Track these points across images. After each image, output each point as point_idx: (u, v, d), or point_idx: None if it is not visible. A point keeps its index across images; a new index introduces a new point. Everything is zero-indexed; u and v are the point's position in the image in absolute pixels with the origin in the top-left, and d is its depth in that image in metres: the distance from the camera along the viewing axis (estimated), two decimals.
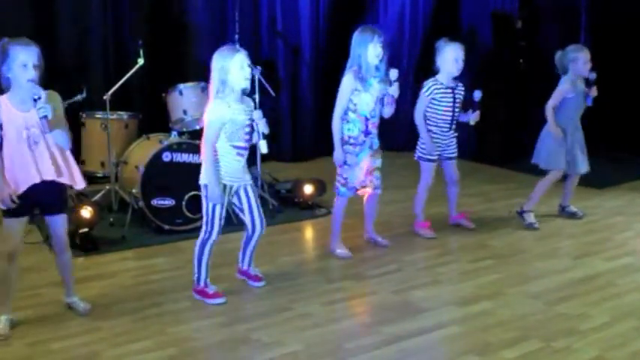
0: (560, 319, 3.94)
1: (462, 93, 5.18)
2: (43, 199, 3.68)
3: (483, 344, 3.64)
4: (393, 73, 4.59)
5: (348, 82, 4.61)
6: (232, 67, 3.94)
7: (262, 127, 4.10)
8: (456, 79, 5.15)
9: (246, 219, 4.21)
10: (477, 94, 5.12)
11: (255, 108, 4.16)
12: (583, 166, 5.56)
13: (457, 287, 4.42)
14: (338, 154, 4.68)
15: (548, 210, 5.84)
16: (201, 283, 4.15)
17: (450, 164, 5.32)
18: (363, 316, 4.09)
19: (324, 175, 6.29)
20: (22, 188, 3.59)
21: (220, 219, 4.06)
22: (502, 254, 4.98)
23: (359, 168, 4.71)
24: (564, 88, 5.35)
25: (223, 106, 3.97)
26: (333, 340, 3.67)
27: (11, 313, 3.76)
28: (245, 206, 4.17)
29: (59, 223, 3.79)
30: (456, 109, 5.15)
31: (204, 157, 4.00)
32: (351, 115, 4.65)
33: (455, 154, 5.30)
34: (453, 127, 5.19)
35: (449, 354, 3.58)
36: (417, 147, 5.24)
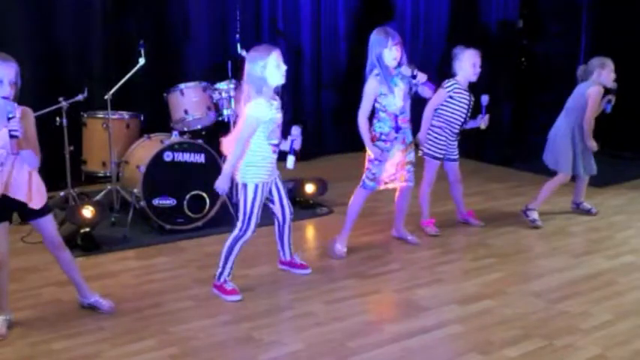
0: (562, 318, 3.94)
1: (472, 101, 5.24)
2: (19, 208, 3.63)
3: (485, 343, 3.64)
4: (405, 70, 4.59)
5: (371, 86, 4.64)
6: (269, 65, 3.98)
7: (297, 143, 4.18)
8: (469, 87, 5.22)
9: (277, 209, 4.35)
10: (485, 99, 5.19)
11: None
12: (593, 168, 5.66)
13: (459, 286, 4.42)
14: (373, 150, 4.70)
15: (549, 208, 5.84)
16: (222, 279, 4.20)
17: (453, 165, 5.39)
18: (366, 314, 4.09)
19: (326, 175, 6.30)
20: None
21: (257, 218, 4.13)
22: (504, 253, 4.98)
23: (390, 163, 4.76)
24: (598, 91, 5.40)
25: (266, 105, 4.03)
26: (335, 339, 3.67)
27: (9, 314, 3.75)
28: (276, 197, 4.31)
29: (43, 226, 3.72)
30: (468, 114, 5.22)
31: (236, 151, 4.03)
32: (381, 114, 4.70)
33: (457, 157, 5.38)
34: (461, 130, 5.26)
35: (451, 353, 3.58)
36: (425, 143, 5.28)
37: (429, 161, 5.29)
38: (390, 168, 4.79)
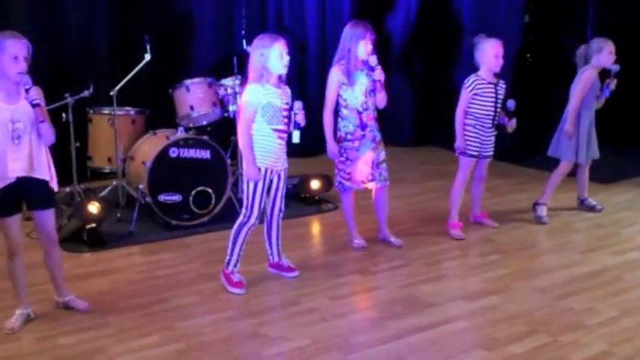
0: (567, 314, 3.93)
1: (504, 90, 5.11)
2: (29, 195, 3.65)
3: (491, 339, 3.64)
4: (372, 59, 4.55)
5: (334, 76, 4.65)
6: (272, 55, 4.00)
7: (300, 118, 4.16)
8: (497, 76, 5.08)
9: (269, 201, 4.28)
10: (511, 104, 5.06)
11: (296, 99, 4.22)
12: (596, 152, 5.56)
13: (464, 282, 4.42)
14: (331, 147, 4.71)
15: (554, 205, 5.82)
16: (230, 267, 4.22)
17: (485, 162, 5.25)
18: (370, 310, 4.09)
19: (331, 171, 6.28)
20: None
21: (260, 204, 4.13)
22: (509, 249, 4.98)
23: (362, 162, 4.71)
24: (589, 75, 5.33)
25: (260, 89, 4.03)
26: (340, 335, 3.67)
27: (27, 308, 3.78)
28: (273, 189, 4.23)
29: (46, 219, 3.73)
30: (498, 106, 5.08)
31: (240, 137, 4.07)
32: (343, 111, 4.69)
33: (492, 153, 5.23)
34: (495, 124, 5.11)
35: (456, 349, 3.57)
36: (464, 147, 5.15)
37: (462, 159, 5.14)
38: (364, 168, 4.71)
